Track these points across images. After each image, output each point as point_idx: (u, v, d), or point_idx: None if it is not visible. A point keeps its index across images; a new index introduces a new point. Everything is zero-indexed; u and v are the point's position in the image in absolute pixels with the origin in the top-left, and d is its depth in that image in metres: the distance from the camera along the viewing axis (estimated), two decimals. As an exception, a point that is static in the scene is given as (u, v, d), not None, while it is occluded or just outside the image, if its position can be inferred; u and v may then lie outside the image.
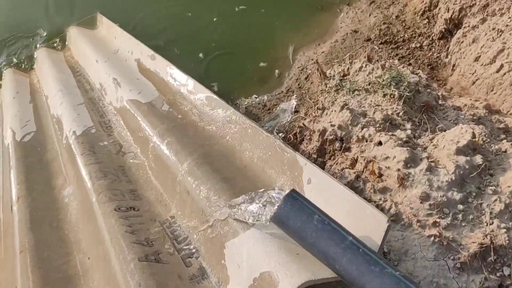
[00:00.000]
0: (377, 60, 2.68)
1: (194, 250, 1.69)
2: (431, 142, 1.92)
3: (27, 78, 3.36)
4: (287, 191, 1.36)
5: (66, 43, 3.62)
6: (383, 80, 2.22)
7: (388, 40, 3.10)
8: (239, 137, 2.02)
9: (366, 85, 2.29)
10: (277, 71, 3.15)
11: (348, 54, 3.01)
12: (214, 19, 3.60)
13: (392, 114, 2.08)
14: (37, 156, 2.46)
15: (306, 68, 3.11)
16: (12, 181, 2.26)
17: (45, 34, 3.74)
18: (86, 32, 3.53)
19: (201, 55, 3.30)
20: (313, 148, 2.17)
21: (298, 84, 2.98)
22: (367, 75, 2.37)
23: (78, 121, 2.46)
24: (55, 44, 3.65)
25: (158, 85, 2.60)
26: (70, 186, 2.20)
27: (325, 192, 1.55)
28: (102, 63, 2.93)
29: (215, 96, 2.22)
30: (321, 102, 2.49)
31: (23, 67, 3.54)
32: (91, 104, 2.73)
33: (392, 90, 2.15)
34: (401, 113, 2.08)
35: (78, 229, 1.99)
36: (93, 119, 2.53)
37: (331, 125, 2.12)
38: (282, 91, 2.97)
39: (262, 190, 1.47)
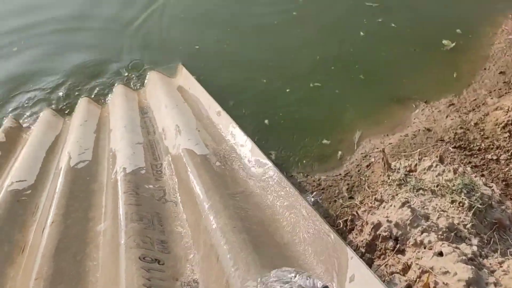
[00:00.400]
0: (449, 163, 2.49)
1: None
2: (501, 267, 1.66)
3: (99, 110, 3.49)
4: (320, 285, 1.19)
5: (145, 84, 3.76)
6: (454, 185, 2.02)
7: (462, 146, 2.90)
8: (287, 213, 1.89)
9: (434, 186, 2.10)
10: (340, 152, 3.03)
11: (418, 150, 2.83)
12: (287, 90, 3.62)
13: (458, 224, 1.86)
14: (84, 185, 2.46)
15: (370, 156, 2.96)
16: (53, 204, 2.24)
17: (126, 74, 3.93)
18: (164, 78, 3.67)
19: (266, 121, 3.27)
20: (362, 241, 1.97)
21: (358, 170, 2.83)
22: (436, 176, 2.18)
23: (132, 159, 2.45)
24: (132, 84, 3.82)
25: (216, 140, 2.57)
26: (105, 222, 2.15)
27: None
28: (170, 109, 2.98)
29: (270, 164, 2.13)
30: (380, 193, 2.31)
31: (99, 100, 3.70)
32: (149, 146, 2.74)
33: (462, 198, 1.94)
34: (468, 225, 1.85)
35: (99, 269, 1.89)
36: (146, 160, 2.51)
37: (387, 221, 1.93)
38: (340, 174, 2.82)
39: (293, 272, 1.31)
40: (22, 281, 1.91)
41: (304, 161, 2.95)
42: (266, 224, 1.89)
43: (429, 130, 3.12)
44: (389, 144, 3.09)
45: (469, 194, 1.99)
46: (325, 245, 1.61)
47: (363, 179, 2.71)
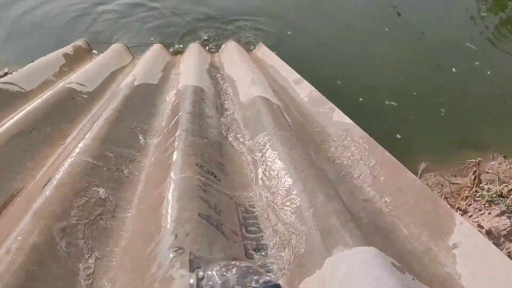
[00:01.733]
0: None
1: (262, 246, 1.25)
2: None
3: (169, 57, 3.39)
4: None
5: (220, 50, 3.66)
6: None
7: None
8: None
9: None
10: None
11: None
12: (360, 99, 3.44)
13: None
14: (144, 102, 2.29)
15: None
16: (109, 108, 2.06)
17: (206, 37, 3.86)
18: (241, 49, 3.54)
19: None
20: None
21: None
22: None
23: (199, 83, 2.29)
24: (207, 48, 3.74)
25: (294, 105, 2.36)
26: (159, 137, 1.94)
27: (483, 263, 1.05)
28: (245, 68, 2.81)
29: (350, 121, 1.89)
30: (464, 205, 2.02)
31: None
32: (216, 93, 2.55)
33: None
34: None
35: (144, 174, 1.67)
36: (213, 101, 2.33)
37: (478, 225, 1.64)
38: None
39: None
40: (55, 163, 1.71)
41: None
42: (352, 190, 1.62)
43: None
44: (457, 184, 2.79)
45: None
46: (423, 209, 1.33)
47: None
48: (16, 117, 1.84)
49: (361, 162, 1.68)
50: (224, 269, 0.95)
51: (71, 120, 2.10)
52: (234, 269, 0.95)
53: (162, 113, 2.21)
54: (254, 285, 0.90)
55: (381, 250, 1.04)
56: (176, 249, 1.04)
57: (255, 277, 0.92)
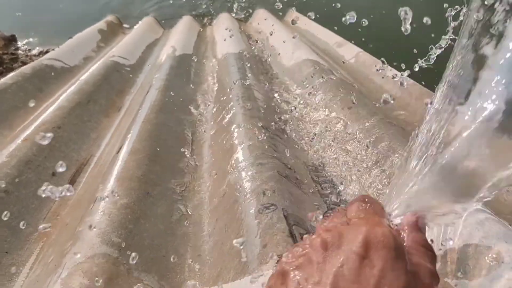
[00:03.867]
0: None
1: (342, 201, 1.25)
2: None
3: (200, 28, 3.35)
4: None
5: (250, 19, 3.61)
6: None
7: None
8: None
9: None
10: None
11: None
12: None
13: None
14: (188, 66, 2.28)
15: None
16: (158, 77, 2.06)
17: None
18: (272, 16, 3.47)
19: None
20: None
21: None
22: None
23: (239, 50, 2.28)
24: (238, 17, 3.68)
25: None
26: (212, 105, 1.94)
27: None
28: (283, 32, 2.77)
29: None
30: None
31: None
32: (259, 60, 2.52)
33: None
34: None
35: (208, 139, 1.68)
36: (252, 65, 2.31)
37: None
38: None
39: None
40: (115, 134, 1.72)
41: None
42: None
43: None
44: None
45: None
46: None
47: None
48: (71, 89, 1.85)
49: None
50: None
51: (120, 92, 2.11)
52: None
53: (206, 81, 2.21)
54: None
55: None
56: (268, 205, 1.04)
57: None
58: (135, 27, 3.23)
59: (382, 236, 0.41)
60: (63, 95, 1.80)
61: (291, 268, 0.43)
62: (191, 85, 2.09)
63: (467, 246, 0.74)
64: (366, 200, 0.50)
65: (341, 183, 1.32)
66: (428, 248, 0.46)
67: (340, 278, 0.38)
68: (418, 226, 0.49)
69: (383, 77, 1.97)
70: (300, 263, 0.43)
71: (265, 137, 1.41)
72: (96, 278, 0.85)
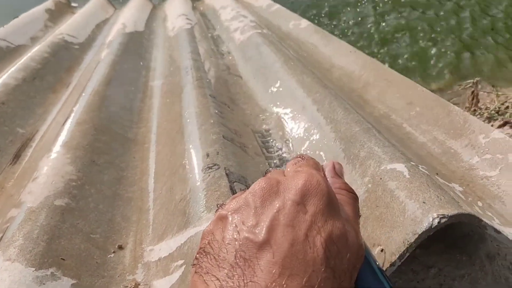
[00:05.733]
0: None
1: (285, 161, 1.30)
2: None
3: (152, 5, 3.31)
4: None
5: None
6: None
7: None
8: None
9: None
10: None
11: None
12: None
13: None
14: (138, 43, 2.26)
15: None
16: (108, 55, 2.03)
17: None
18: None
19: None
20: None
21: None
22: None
23: (190, 26, 2.27)
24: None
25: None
26: (161, 79, 1.93)
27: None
28: (236, 10, 2.77)
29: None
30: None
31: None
32: (210, 36, 2.52)
33: None
34: None
35: (156, 110, 1.68)
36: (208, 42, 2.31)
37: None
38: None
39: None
40: (63, 109, 1.70)
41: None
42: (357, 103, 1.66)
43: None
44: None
45: None
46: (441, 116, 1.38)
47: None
48: (15, 67, 1.80)
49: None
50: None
51: (68, 69, 2.07)
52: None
53: (157, 57, 2.20)
54: None
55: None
56: (211, 165, 1.07)
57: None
58: (85, 6, 3.15)
59: (317, 183, 0.44)
60: (8, 72, 1.76)
61: (229, 213, 0.45)
62: (140, 62, 2.08)
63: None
64: (303, 157, 0.54)
65: (285, 146, 1.37)
66: (349, 190, 0.50)
67: (276, 223, 0.41)
68: (335, 171, 0.54)
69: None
70: (238, 207, 0.45)
71: (213, 104, 1.44)
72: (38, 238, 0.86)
